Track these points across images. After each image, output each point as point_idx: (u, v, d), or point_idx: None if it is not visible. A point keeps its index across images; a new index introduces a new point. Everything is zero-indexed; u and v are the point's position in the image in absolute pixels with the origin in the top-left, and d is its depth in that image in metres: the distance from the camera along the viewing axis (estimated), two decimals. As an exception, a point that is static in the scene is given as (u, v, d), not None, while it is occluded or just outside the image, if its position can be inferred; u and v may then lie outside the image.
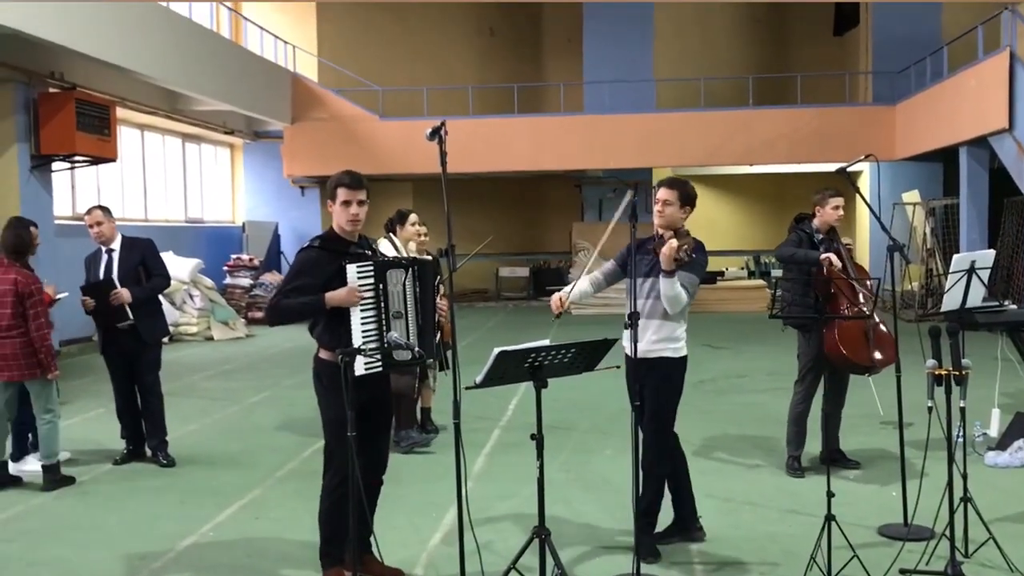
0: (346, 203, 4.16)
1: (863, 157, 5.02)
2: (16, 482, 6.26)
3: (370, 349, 4.01)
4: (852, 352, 5.85)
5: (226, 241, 19.32)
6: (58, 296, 6.93)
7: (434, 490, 5.86)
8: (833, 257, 5.85)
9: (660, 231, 4.77)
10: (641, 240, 4.79)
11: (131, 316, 6.59)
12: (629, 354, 4.37)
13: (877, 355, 5.91)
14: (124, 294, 6.56)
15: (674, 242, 4.51)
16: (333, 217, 4.23)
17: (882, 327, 6.03)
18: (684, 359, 4.79)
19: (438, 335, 5.94)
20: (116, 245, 6.75)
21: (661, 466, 4.77)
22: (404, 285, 4.17)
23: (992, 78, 13.52)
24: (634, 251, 4.42)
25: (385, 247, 6.64)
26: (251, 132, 20.20)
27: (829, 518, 4.35)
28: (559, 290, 4.72)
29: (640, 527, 4.54)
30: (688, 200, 4.75)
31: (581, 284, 4.93)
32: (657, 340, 4.71)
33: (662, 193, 4.74)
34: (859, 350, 5.88)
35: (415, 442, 6.90)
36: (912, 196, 17.53)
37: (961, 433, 4.41)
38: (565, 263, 21.57)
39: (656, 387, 4.72)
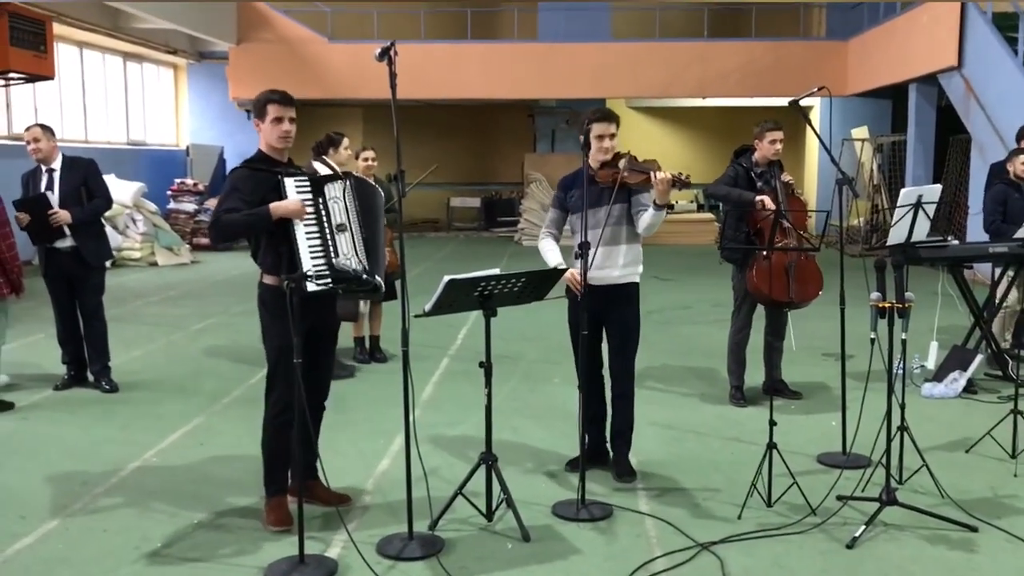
0: (277, 120, 4.06)
1: (816, 89, 5.00)
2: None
3: (317, 269, 3.94)
4: (769, 288, 5.86)
5: (170, 165, 18.84)
6: None
7: (382, 417, 5.86)
8: (767, 200, 5.85)
9: (600, 163, 4.67)
10: (573, 175, 4.77)
11: (69, 236, 6.41)
12: (587, 282, 4.39)
13: (795, 291, 5.92)
14: (63, 215, 6.36)
15: (664, 174, 4.37)
16: (262, 136, 4.13)
17: (808, 263, 6.04)
18: None
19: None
20: (57, 165, 6.52)
21: (632, 388, 4.86)
22: (344, 198, 4.09)
23: (943, 15, 13.55)
24: (585, 185, 4.41)
25: (319, 169, 6.42)
26: (195, 52, 19.57)
27: (770, 446, 4.44)
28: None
29: (620, 448, 4.83)
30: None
31: (549, 246, 4.84)
32: (627, 264, 4.72)
33: (607, 128, 4.63)
34: (777, 286, 5.87)
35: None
36: (861, 132, 17.67)
37: (901, 365, 4.50)
38: (517, 194, 21.43)
39: (626, 312, 4.74)
